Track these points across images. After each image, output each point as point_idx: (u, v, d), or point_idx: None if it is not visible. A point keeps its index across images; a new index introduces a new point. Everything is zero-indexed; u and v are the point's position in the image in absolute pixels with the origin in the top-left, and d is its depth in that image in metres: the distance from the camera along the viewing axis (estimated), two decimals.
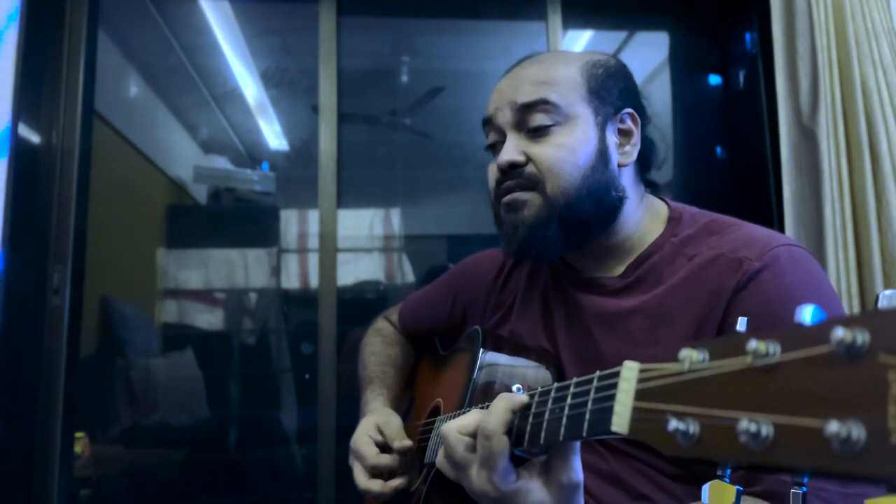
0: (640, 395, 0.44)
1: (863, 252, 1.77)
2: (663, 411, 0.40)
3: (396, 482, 0.93)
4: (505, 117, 0.85)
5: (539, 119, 0.82)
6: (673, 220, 0.87)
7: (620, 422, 0.45)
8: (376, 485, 0.94)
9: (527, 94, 0.83)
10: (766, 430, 0.32)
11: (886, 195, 1.76)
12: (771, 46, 1.93)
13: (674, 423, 0.38)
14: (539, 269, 0.99)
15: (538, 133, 0.83)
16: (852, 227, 1.78)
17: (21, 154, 1.77)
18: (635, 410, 0.44)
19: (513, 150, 0.83)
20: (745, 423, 0.33)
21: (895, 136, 1.78)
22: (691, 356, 0.39)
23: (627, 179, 0.86)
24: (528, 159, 0.83)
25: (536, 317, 0.95)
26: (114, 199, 2.15)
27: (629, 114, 0.86)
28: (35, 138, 1.89)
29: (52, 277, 1.89)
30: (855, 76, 1.80)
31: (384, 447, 0.98)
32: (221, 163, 2.30)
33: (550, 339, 0.92)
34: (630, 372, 0.46)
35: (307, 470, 2.11)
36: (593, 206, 0.82)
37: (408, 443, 0.95)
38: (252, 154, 2.35)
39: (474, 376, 0.86)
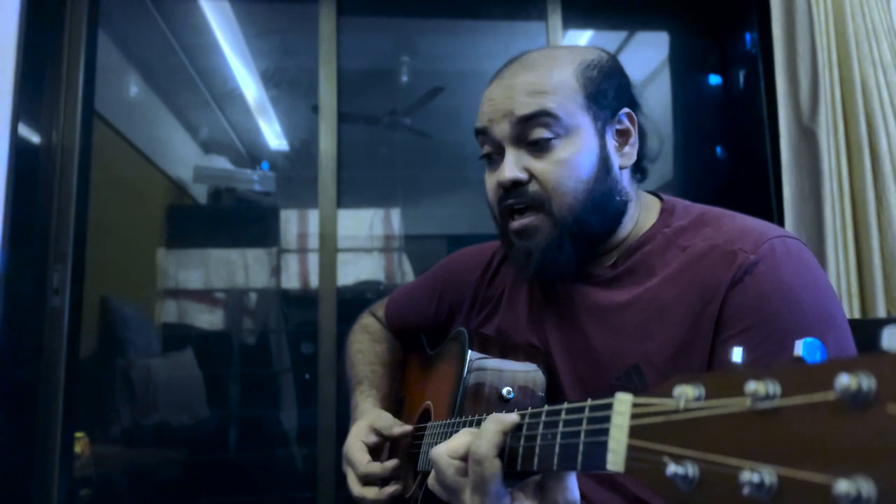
0: (634, 431, 0.43)
1: (863, 252, 1.77)
2: (660, 452, 0.39)
3: (391, 489, 0.92)
4: (503, 131, 0.82)
5: (539, 132, 0.80)
6: (665, 212, 0.86)
7: (616, 460, 0.44)
8: (371, 492, 0.93)
9: (525, 107, 0.80)
10: (770, 480, 0.31)
11: (886, 195, 1.75)
12: (771, 46, 1.93)
13: (672, 468, 0.37)
14: None
15: (538, 147, 0.80)
16: (852, 227, 1.78)
17: (21, 154, 1.77)
18: (630, 448, 0.43)
19: (514, 167, 0.81)
20: (748, 475, 0.32)
21: (895, 136, 1.78)
22: (686, 393, 0.38)
23: (626, 180, 0.86)
24: (531, 176, 0.81)
25: (524, 311, 0.94)
26: (114, 199, 2.15)
27: (626, 113, 0.85)
28: (35, 138, 1.89)
29: (52, 277, 1.89)
30: (855, 76, 1.80)
31: (377, 450, 0.97)
32: (221, 163, 2.30)
33: (539, 333, 0.91)
34: (623, 406, 0.44)
35: (307, 470, 2.11)
36: (600, 216, 0.82)
37: (408, 427, 0.94)
38: (252, 154, 2.35)
39: (463, 379, 0.84)
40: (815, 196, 1.82)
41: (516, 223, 0.83)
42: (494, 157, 0.85)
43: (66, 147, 1.94)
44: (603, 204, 0.82)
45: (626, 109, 0.85)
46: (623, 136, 0.85)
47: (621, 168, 0.84)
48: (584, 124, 0.81)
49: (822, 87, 1.81)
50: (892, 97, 1.80)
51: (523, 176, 0.81)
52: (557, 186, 0.80)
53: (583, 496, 0.77)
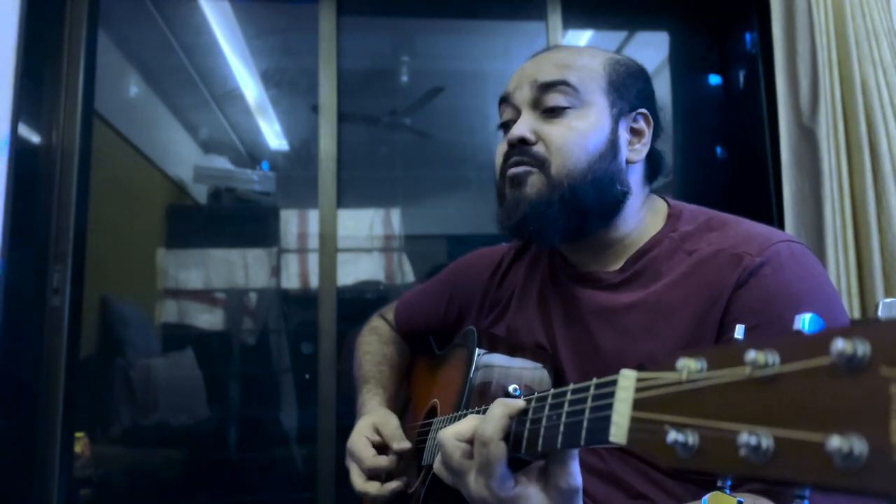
0: (637, 404, 0.44)
1: (863, 252, 1.77)
2: (662, 422, 0.40)
3: (394, 484, 0.93)
4: (523, 95, 0.86)
5: (555, 99, 0.83)
6: (672, 217, 0.87)
7: (619, 432, 0.44)
8: (373, 487, 0.93)
9: (548, 74, 0.84)
10: (767, 443, 0.32)
11: (886, 195, 1.76)
12: (771, 46, 1.93)
13: (673, 435, 0.38)
14: (537, 264, 0.99)
15: (553, 114, 0.84)
16: (852, 227, 1.78)
17: (21, 154, 1.77)
18: (633, 420, 0.43)
19: (525, 126, 0.84)
20: (746, 437, 0.33)
21: (895, 136, 1.78)
22: (689, 365, 0.39)
23: (634, 177, 0.87)
24: (539, 139, 0.84)
25: (534, 312, 0.95)
26: (114, 199, 2.15)
27: (643, 115, 0.87)
28: (35, 138, 1.89)
29: (52, 277, 1.89)
30: (855, 76, 1.80)
31: (381, 448, 0.97)
32: (221, 163, 2.30)
33: (548, 334, 0.92)
34: (627, 381, 0.45)
35: (307, 470, 2.11)
36: (597, 195, 0.82)
37: (406, 444, 0.95)
38: (252, 154, 2.35)
39: (470, 377, 0.86)
40: (815, 196, 1.82)
41: (512, 171, 0.85)
42: (511, 126, 0.87)
43: (66, 147, 1.94)
44: (602, 184, 0.83)
45: (643, 110, 0.87)
46: (636, 134, 0.87)
47: (629, 161, 0.86)
48: (601, 104, 0.84)
49: (822, 87, 1.81)
50: (892, 97, 1.80)
51: (531, 136, 0.84)
52: (561, 148, 0.82)
53: (586, 494, 0.78)
